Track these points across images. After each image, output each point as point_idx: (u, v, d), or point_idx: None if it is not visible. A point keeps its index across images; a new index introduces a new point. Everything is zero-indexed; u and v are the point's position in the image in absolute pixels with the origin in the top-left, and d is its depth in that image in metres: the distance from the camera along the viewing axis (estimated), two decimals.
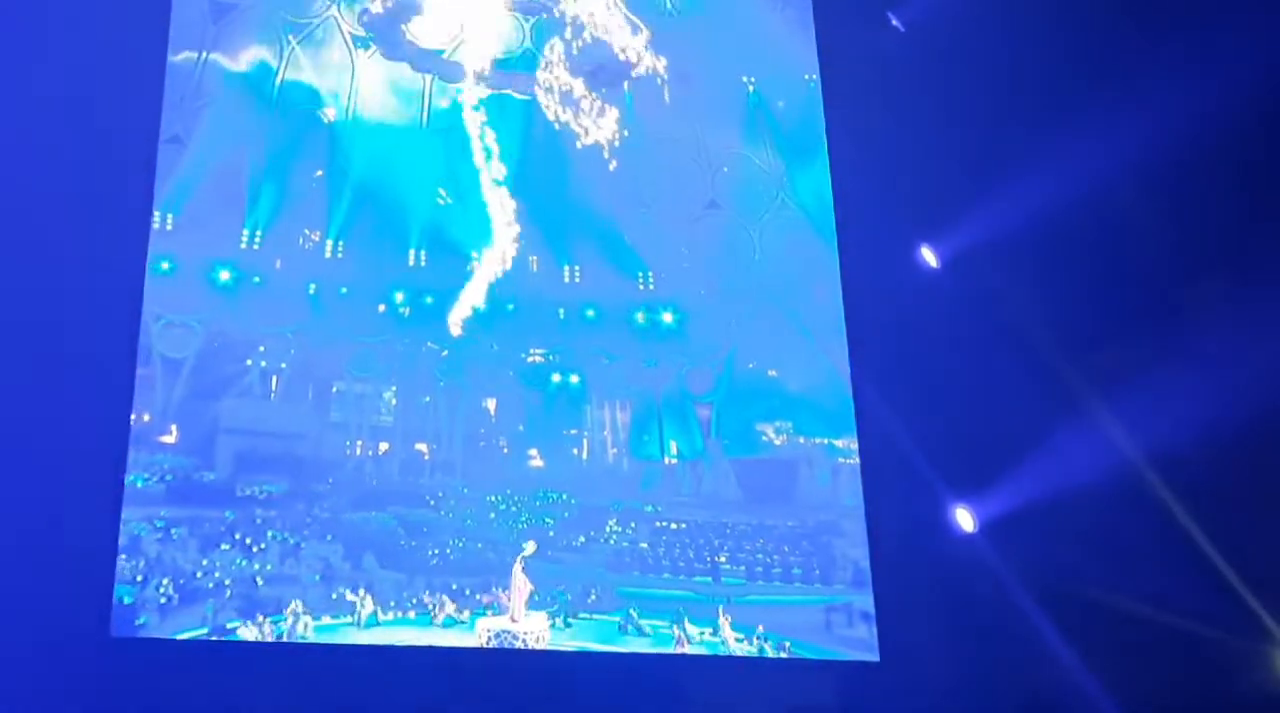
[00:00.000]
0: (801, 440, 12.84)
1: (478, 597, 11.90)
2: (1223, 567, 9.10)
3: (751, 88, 13.85)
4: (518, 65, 14.31)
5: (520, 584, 11.80)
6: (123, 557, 11.03)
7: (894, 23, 10.65)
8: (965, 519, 9.76)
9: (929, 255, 10.13)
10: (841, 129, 10.77)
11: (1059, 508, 9.33)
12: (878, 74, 10.48)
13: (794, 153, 13.14)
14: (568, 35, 14.32)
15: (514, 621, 11.53)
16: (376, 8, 13.99)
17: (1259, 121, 9.42)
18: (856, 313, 10.29)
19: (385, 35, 13.98)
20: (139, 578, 11.14)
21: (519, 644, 11.37)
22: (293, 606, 11.48)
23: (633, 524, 12.82)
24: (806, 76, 13.11)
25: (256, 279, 13.13)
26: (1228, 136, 9.38)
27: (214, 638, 10.98)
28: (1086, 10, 10.03)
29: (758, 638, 11.41)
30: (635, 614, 11.90)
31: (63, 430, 9.49)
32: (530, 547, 12.12)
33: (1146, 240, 9.70)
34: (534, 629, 11.50)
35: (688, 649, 11.30)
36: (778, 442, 13.20)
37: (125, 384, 10.22)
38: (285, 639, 11.14)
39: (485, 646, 11.41)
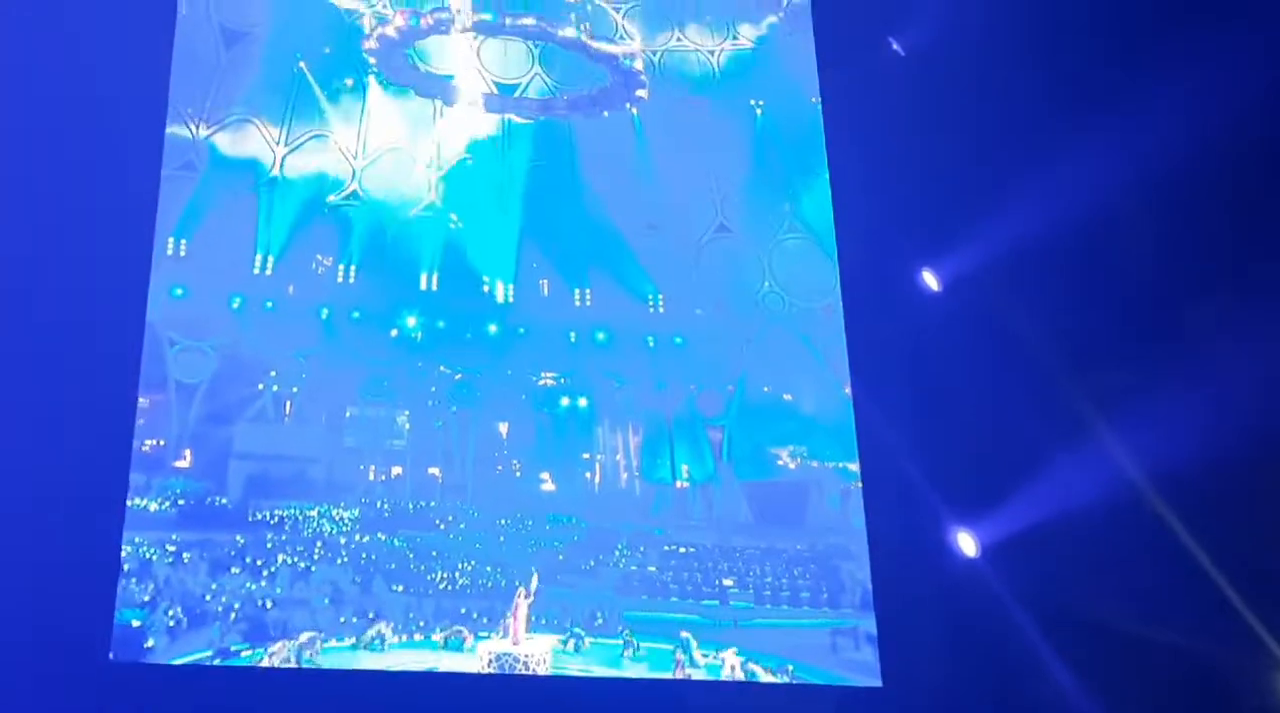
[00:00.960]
0: (815, 465, 12.80)
1: (484, 619, 11.92)
2: (1228, 590, 8.99)
3: (760, 111, 13.89)
4: (526, 90, 14.40)
5: (522, 607, 11.81)
6: (133, 580, 11.12)
7: (894, 47, 10.61)
8: (968, 543, 9.68)
9: (930, 279, 10.08)
10: (842, 153, 10.75)
11: (1062, 531, 9.24)
12: (878, 98, 10.44)
13: (802, 176, 13.15)
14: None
15: (515, 644, 11.54)
16: (385, 32, 14.09)
17: (1257, 141, 9.35)
18: (858, 336, 10.25)
19: (393, 61, 14.10)
20: (148, 599, 11.24)
21: (520, 668, 11.37)
22: (301, 632, 11.53)
23: (642, 548, 12.81)
24: (813, 99, 13.12)
25: (269, 304, 13.23)
26: (1226, 156, 9.31)
27: (218, 662, 11.04)
28: (1085, 33, 9.99)
29: (759, 662, 11.39)
30: (631, 637, 11.87)
31: (64, 453, 9.58)
32: (534, 581, 12.11)
33: (1147, 261, 9.63)
34: (536, 653, 11.50)
35: (688, 673, 11.28)
36: (792, 465, 13.17)
37: (128, 407, 10.30)
38: (291, 663, 11.19)
39: (486, 668, 11.41)
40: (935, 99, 10.69)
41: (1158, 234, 9.67)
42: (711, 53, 14.31)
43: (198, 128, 12.98)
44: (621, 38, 14.31)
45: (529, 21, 14.25)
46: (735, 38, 14.13)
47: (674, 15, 14.62)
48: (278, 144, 13.62)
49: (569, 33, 14.28)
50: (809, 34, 12.77)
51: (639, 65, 14.17)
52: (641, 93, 14.15)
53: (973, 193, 10.29)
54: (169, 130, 12.06)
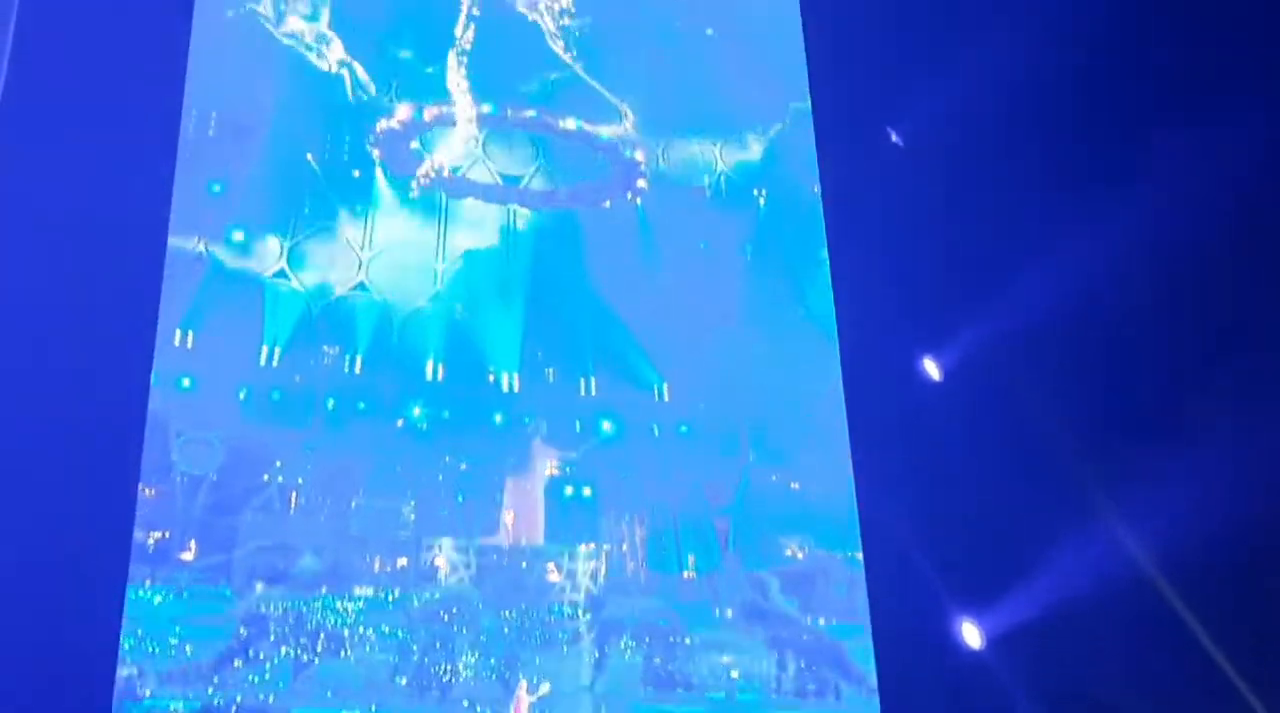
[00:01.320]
0: (822, 554, 12.72)
1: (487, 711, 11.78)
2: (1236, 680, 8.81)
3: (762, 200, 13.99)
4: (530, 182, 14.52)
5: (524, 700, 11.68)
6: (135, 671, 11.06)
7: (893, 138, 10.64)
8: (972, 634, 9.51)
9: (931, 368, 10.01)
10: (843, 241, 10.73)
11: (1066, 620, 9.06)
12: (877, 188, 10.45)
13: (804, 264, 13.21)
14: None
15: None
16: (390, 125, 14.26)
17: (1261, 226, 9.31)
18: (860, 424, 10.15)
19: (399, 154, 14.27)
20: (149, 693, 11.15)
21: None
22: None
23: (647, 639, 12.69)
24: (814, 188, 13.09)
25: (275, 395, 13.29)
26: (1227, 239, 9.26)
27: None
28: (1081, 121, 9.99)
29: None
30: None
31: (66, 545, 9.48)
32: (544, 688, 11.95)
33: (1147, 349, 9.54)
34: None
35: None
36: (800, 555, 13.09)
37: (130, 499, 10.19)
38: None
39: None
40: (934, 188, 10.67)
41: (1158, 321, 9.59)
42: (714, 145, 14.49)
43: (203, 222, 13.14)
44: (623, 120, 14.46)
45: (529, 114, 14.41)
46: (743, 147, 14.31)
47: (679, 121, 14.81)
48: (285, 237, 13.77)
49: (569, 124, 14.43)
50: (809, 128, 12.81)
51: (640, 156, 14.32)
52: (642, 183, 14.29)
53: (973, 281, 10.22)
54: (176, 226, 12.15)
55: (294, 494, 13.17)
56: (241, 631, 11.98)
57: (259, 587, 12.49)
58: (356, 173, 14.34)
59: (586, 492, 13.72)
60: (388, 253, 14.15)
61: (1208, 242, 9.43)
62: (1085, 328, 9.81)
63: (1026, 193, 10.33)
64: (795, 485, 13.33)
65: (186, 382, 12.80)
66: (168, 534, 12.36)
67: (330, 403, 13.53)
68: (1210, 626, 8.97)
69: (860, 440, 10.30)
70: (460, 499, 13.59)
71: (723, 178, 14.47)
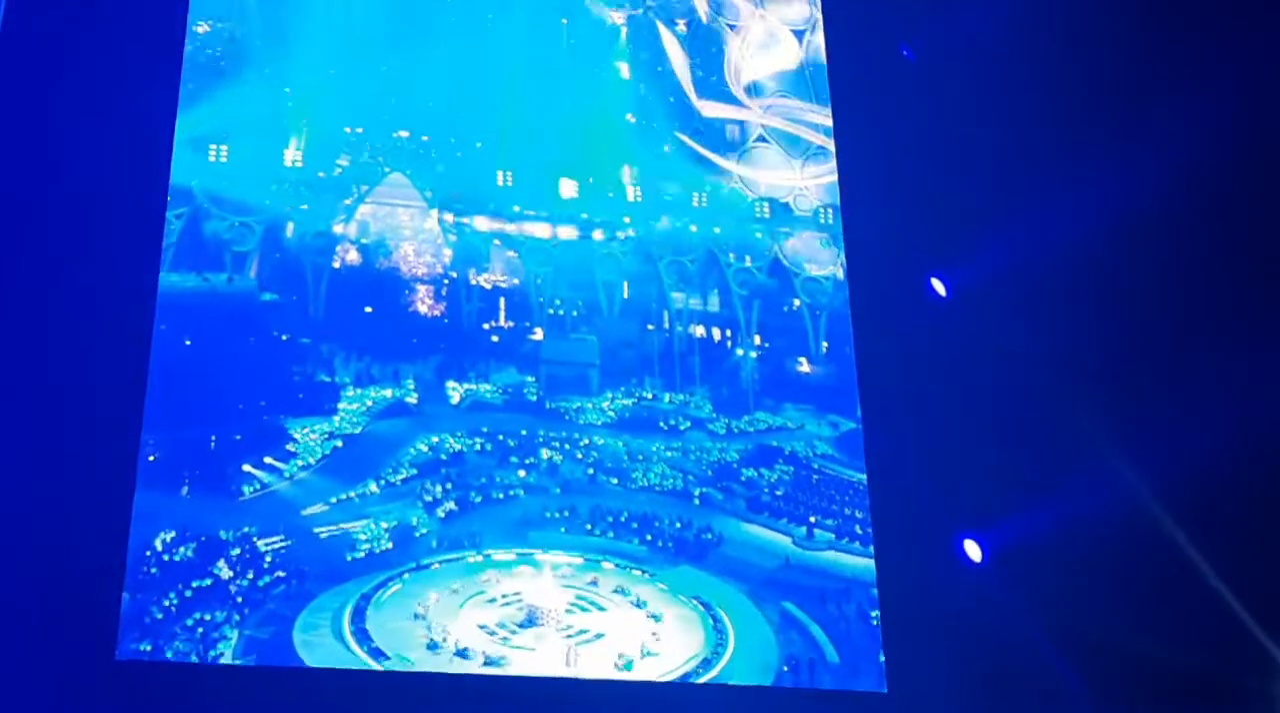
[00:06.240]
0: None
1: None
2: (1240, 610, 8.96)
3: None
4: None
5: None
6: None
7: (906, 54, 10.62)
8: (974, 550, 9.63)
9: (939, 286, 10.04)
10: (851, 159, 10.72)
11: (1069, 542, 9.18)
12: (889, 106, 10.44)
13: None
14: None
15: None
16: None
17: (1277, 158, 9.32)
18: (865, 344, 10.18)
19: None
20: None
21: None
22: None
23: None
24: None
25: None
26: (1246, 173, 9.28)
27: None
28: (1106, 45, 9.93)
29: None
30: None
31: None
32: None
33: (1163, 274, 9.59)
34: None
35: None
36: None
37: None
38: None
39: None
40: (944, 109, 10.65)
41: (1174, 248, 9.63)
42: None
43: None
44: None
45: None
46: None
47: None
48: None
49: None
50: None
51: None
52: None
53: (984, 203, 10.25)
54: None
55: None
56: None
57: None
58: None
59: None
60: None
61: (1240, 170, 9.38)
62: (1100, 251, 9.77)
63: (1047, 112, 10.28)
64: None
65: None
66: None
67: None
68: (1215, 556, 9.05)
69: (866, 359, 10.28)
70: None
71: None
